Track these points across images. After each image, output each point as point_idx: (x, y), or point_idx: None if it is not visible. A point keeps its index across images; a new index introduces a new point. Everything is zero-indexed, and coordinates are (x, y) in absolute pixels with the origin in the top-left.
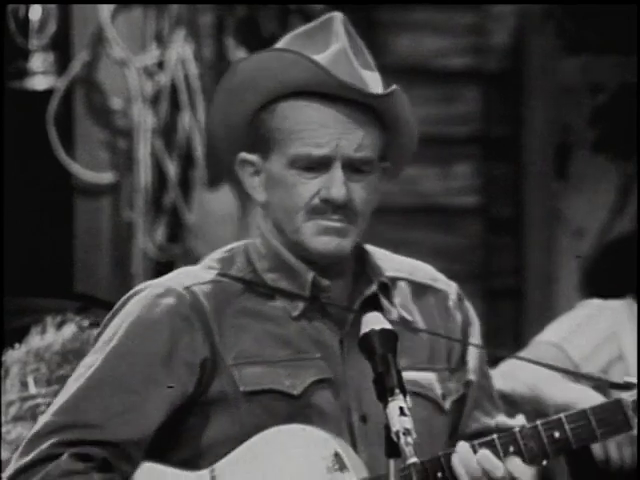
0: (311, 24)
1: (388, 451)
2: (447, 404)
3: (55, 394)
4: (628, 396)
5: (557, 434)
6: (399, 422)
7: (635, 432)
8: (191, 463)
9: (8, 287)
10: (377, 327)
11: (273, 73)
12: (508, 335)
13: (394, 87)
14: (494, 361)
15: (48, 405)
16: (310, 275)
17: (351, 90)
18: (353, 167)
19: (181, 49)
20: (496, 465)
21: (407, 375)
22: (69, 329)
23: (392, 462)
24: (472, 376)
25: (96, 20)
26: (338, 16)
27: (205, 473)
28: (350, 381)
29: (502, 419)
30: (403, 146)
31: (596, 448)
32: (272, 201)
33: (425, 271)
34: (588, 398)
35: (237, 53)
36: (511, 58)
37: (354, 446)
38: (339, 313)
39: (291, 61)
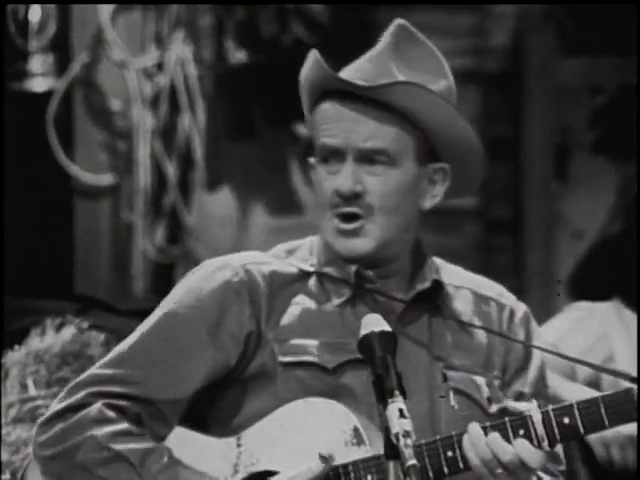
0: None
1: (387, 453)
2: (493, 408)
3: (55, 396)
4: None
5: (567, 420)
6: (399, 424)
7: None
8: (227, 436)
9: (8, 288)
10: (376, 329)
11: (305, 75)
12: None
13: (396, 80)
14: None
15: (47, 407)
16: (353, 267)
17: (342, 82)
18: (366, 158)
19: (180, 51)
20: (505, 448)
21: (457, 374)
22: (68, 331)
23: (391, 464)
24: (527, 389)
25: (95, 22)
26: (395, 23)
27: (232, 440)
28: None
29: (513, 403)
30: (451, 145)
31: (599, 450)
32: (316, 202)
33: (493, 287)
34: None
35: (236, 54)
36: (511, 59)
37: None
38: (387, 305)
39: (311, 62)
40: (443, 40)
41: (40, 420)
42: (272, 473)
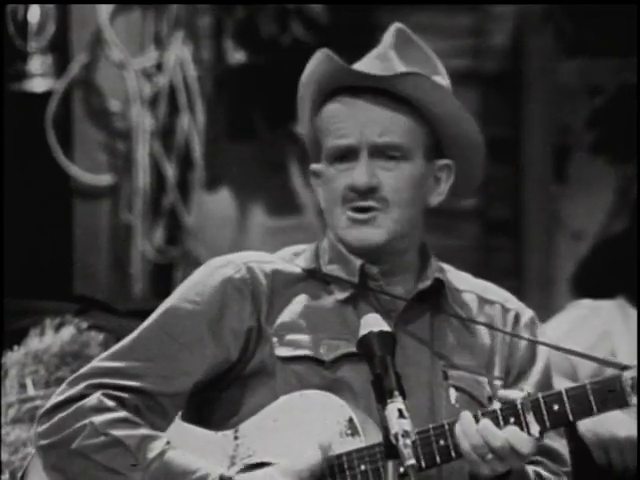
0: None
1: (387, 453)
2: (493, 407)
3: None
4: (628, 374)
5: (556, 407)
6: (398, 424)
7: (633, 410)
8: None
9: (7, 289)
10: (376, 329)
11: (309, 75)
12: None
13: (408, 70)
14: None
15: None
16: (359, 262)
17: (360, 75)
18: (380, 153)
19: (180, 51)
20: (496, 434)
21: (458, 373)
22: (68, 331)
23: (391, 463)
24: (530, 390)
25: (95, 22)
26: (393, 26)
27: (229, 433)
28: None
29: (504, 392)
30: (458, 141)
31: (598, 453)
32: (324, 205)
33: (500, 293)
34: None
35: (236, 55)
36: (510, 60)
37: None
38: (389, 303)
39: (317, 60)
40: (442, 40)
41: (40, 411)
42: (268, 464)
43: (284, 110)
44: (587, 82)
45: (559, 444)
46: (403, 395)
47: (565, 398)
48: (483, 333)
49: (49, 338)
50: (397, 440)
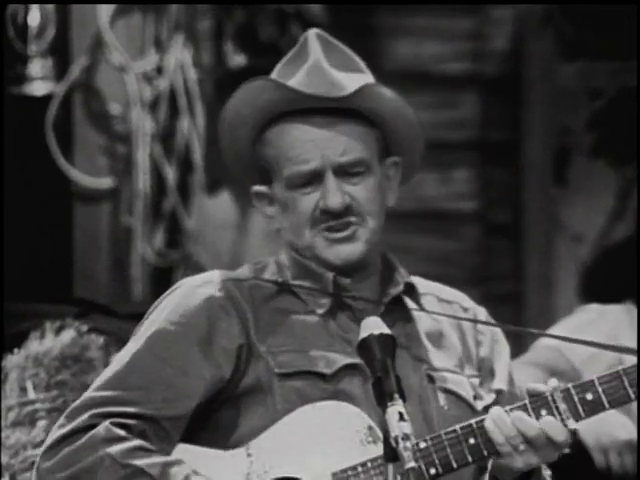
0: (293, 49)
1: (387, 456)
2: (479, 406)
3: (54, 399)
4: None
5: (590, 396)
6: (398, 427)
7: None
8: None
9: (8, 292)
10: (376, 332)
11: (250, 103)
12: (508, 339)
13: (363, 83)
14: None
15: (47, 411)
16: (330, 275)
17: (313, 98)
18: (345, 171)
19: (180, 54)
20: (531, 424)
21: (441, 375)
22: (68, 334)
23: (390, 466)
24: (503, 385)
25: (95, 25)
26: (312, 33)
27: (240, 451)
28: None
29: (532, 385)
30: (405, 139)
31: (597, 456)
32: (284, 225)
33: (453, 293)
34: None
35: (236, 58)
36: (510, 63)
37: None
38: (364, 312)
39: (259, 88)
40: (442, 44)
41: (42, 448)
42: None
43: None
44: (587, 85)
45: None
46: (403, 398)
47: (598, 386)
48: (452, 333)
49: (49, 341)
50: (397, 443)
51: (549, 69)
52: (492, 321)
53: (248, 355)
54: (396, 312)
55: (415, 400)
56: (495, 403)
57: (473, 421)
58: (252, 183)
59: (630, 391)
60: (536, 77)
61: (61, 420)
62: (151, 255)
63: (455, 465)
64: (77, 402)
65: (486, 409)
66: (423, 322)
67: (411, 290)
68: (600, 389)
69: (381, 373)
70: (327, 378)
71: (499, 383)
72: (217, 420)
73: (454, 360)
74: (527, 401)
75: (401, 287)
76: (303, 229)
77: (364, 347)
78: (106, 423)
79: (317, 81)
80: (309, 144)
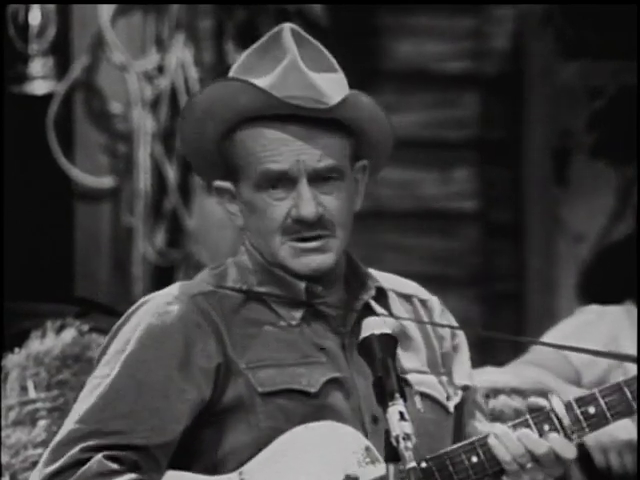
0: (263, 38)
1: (388, 455)
2: (451, 407)
3: (55, 399)
4: None
5: (592, 409)
6: (399, 427)
7: None
8: (210, 473)
9: (8, 291)
10: (377, 331)
11: (225, 102)
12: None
13: (345, 94)
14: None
15: (48, 410)
16: (303, 284)
17: (298, 108)
18: (320, 178)
19: (181, 53)
20: (539, 442)
21: (414, 377)
22: (69, 334)
23: (391, 466)
24: (467, 380)
25: (96, 24)
26: (287, 27)
27: (233, 476)
28: (358, 383)
29: (533, 399)
30: (377, 143)
31: (597, 456)
32: (249, 226)
33: (408, 284)
34: None
35: (237, 57)
36: (510, 62)
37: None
38: (337, 318)
39: (239, 89)
40: (443, 43)
41: None
42: None
43: None
44: (587, 84)
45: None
46: (404, 397)
47: (600, 399)
48: (415, 331)
49: (50, 340)
50: (398, 442)
51: (549, 68)
52: (445, 310)
53: (227, 373)
54: (366, 317)
55: None
56: (463, 400)
57: (475, 438)
58: (215, 177)
59: (633, 403)
60: (536, 76)
61: (47, 456)
62: (152, 254)
63: None
64: (61, 436)
65: (457, 408)
66: (392, 321)
67: (380, 294)
68: (602, 402)
69: (382, 372)
70: (312, 395)
71: (464, 378)
72: (198, 440)
73: (422, 360)
74: (529, 416)
75: (372, 292)
76: (272, 236)
77: (365, 347)
78: (98, 457)
79: (295, 84)
80: (283, 148)
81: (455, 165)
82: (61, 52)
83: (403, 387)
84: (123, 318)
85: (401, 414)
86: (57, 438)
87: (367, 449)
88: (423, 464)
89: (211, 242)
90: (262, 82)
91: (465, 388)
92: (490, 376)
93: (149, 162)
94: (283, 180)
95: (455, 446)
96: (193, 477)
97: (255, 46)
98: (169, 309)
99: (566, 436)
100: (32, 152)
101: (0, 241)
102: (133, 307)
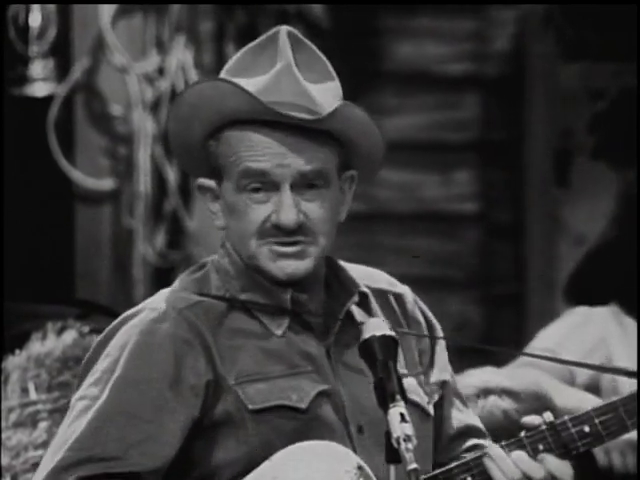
0: (259, 38)
1: (388, 457)
2: (431, 408)
3: (55, 400)
4: None
5: (587, 428)
6: (400, 428)
7: None
8: None
9: (9, 293)
10: (378, 333)
11: (213, 103)
12: (509, 341)
13: (336, 106)
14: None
15: (49, 412)
16: (288, 292)
17: (286, 117)
18: (304, 184)
19: (181, 55)
20: (535, 467)
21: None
22: (70, 335)
23: (392, 468)
24: (446, 376)
25: (96, 26)
26: (284, 30)
27: None
28: (343, 391)
29: (527, 418)
30: (368, 155)
31: (599, 455)
32: (229, 227)
33: (381, 276)
34: (588, 401)
35: None
36: (511, 64)
37: None
38: (320, 325)
39: (228, 91)
40: (444, 45)
41: None
42: None
43: None
44: (588, 86)
45: (474, 418)
46: (405, 399)
47: (595, 418)
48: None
49: (51, 342)
50: (399, 444)
51: (550, 70)
52: (418, 299)
53: (216, 389)
54: (348, 323)
55: (380, 412)
56: (442, 398)
57: (469, 458)
58: (200, 174)
59: (628, 423)
60: (537, 78)
61: None
62: (152, 256)
63: None
64: (53, 463)
65: (435, 407)
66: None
67: (363, 298)
68: (597, 421)
69: (383, 374)
70: (302, 410)
71: (442, 374)
72: (187, 454)
73: (400, 362)
74: (523, 435)
75: (356, 298)
76: (249, 238)
77: (366, 348)
78: None
79: (287, 90)
80: (267, 150)
81: (456, 167)
82: (61, 54)
83: (404, 389)
84: (107, 332)
85: (402, 416)
86: (51, 465)
87: (360, 468)
88: None
89: (211, 243)
90: (254, 84)
91: (444, 383)
92: (483, 375)
93: (149, 164)
94: (266, 184)
95: (450, 465)
96: None
97: (251, 45)
98: (157, 326)
99: (561, 456)
100: (33, 154)
101: (1, 243)
102: (116, 322)
